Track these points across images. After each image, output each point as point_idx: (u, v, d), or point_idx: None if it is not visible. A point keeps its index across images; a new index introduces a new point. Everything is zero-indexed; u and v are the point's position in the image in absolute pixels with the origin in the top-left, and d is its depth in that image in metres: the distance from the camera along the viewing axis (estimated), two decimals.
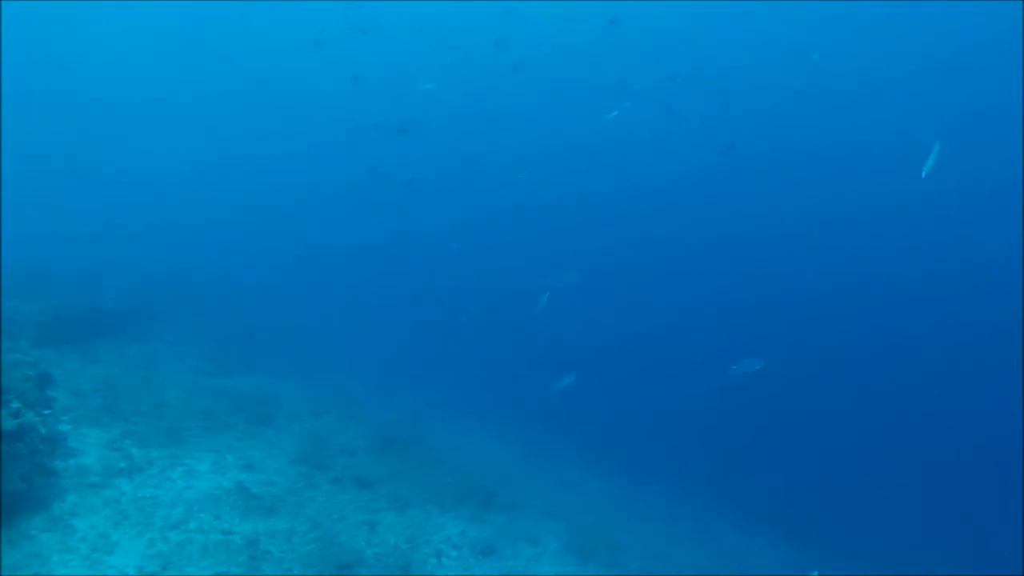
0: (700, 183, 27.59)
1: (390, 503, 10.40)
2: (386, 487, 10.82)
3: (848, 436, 18.36)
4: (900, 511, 15.82)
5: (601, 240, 25.67)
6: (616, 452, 17.00)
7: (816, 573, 9.37)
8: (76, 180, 31.83)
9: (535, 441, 17.13)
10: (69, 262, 19.05)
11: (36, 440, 7.25)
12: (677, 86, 26.37)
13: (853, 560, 13.23)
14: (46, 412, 8.14)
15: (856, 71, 27.14)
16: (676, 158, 28.75)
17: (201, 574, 7.17)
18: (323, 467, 10.83)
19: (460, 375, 19.14)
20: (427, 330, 22.38)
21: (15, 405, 7.32)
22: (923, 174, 11.81)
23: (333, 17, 36.43)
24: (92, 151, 36.60)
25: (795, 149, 27.85)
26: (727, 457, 16.43)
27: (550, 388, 12.66)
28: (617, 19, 26.25)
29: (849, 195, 25.39)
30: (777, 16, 27.94)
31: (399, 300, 24.34)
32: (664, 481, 15.64)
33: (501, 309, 22.43)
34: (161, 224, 28.30)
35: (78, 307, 14.32)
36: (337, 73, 35.52)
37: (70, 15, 39.64)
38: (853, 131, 27.30)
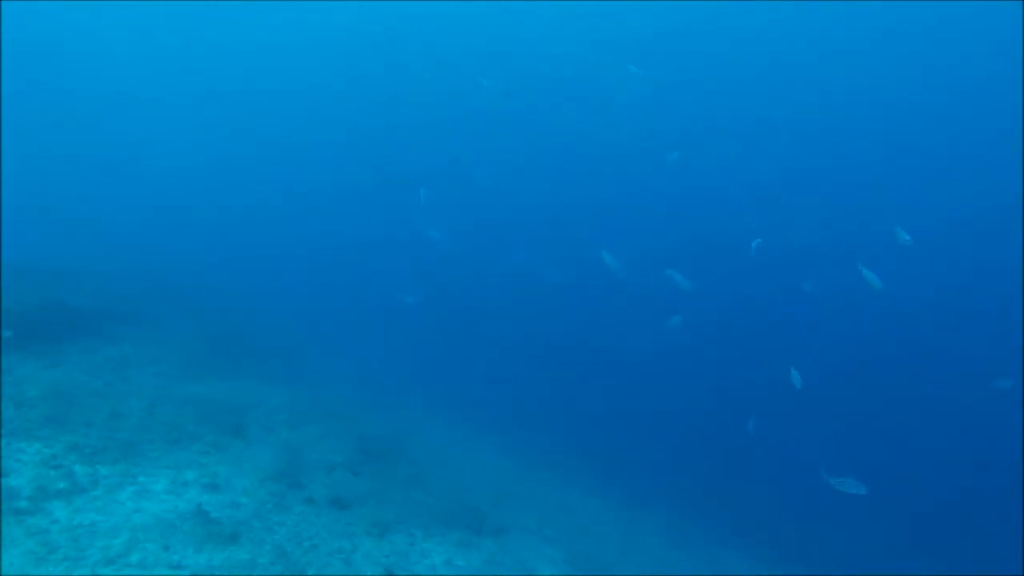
0: (702, 190, 26.54)
1: (369, 527, 9.10)
2: (366, 508, 9.53)
3: (867, 457, 17.24)
4: (912, 535, 14.82)
5: (603, 241, 24.51)
6: (615, 466, 15.78)
7: None
8: (56, 174, 30.52)
9: (528, 451, 15.87)
10: (41, 258, 17.72)
11: None
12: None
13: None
14: None
15: (854, 71, 26.24)
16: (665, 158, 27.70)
17: None
18: (297, 486, 9.53)
19: (449, 380, 17.92)
20: (415, 333, 21.18)
21: None
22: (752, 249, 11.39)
23: (333, 17, 35.42)
24: (73, 144, 35.26)
25: (790, 148, 26.81)
26: (734, 475, 15.25)
27: (665, 327, 11.14)
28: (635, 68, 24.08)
29: (846, 195, 24.36)
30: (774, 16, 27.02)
31: (389, 302, 23.10)
32: (666, 501, 14.39)
33: (495, 312, 21.26)
34: (144, 220, 27.01)
35: (44, 305, 13.06)
36: (334, 73, 34.48)
37: (64, 13, 38.43)
38: (851, 131, 26.32)
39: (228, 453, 9.88)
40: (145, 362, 13.20)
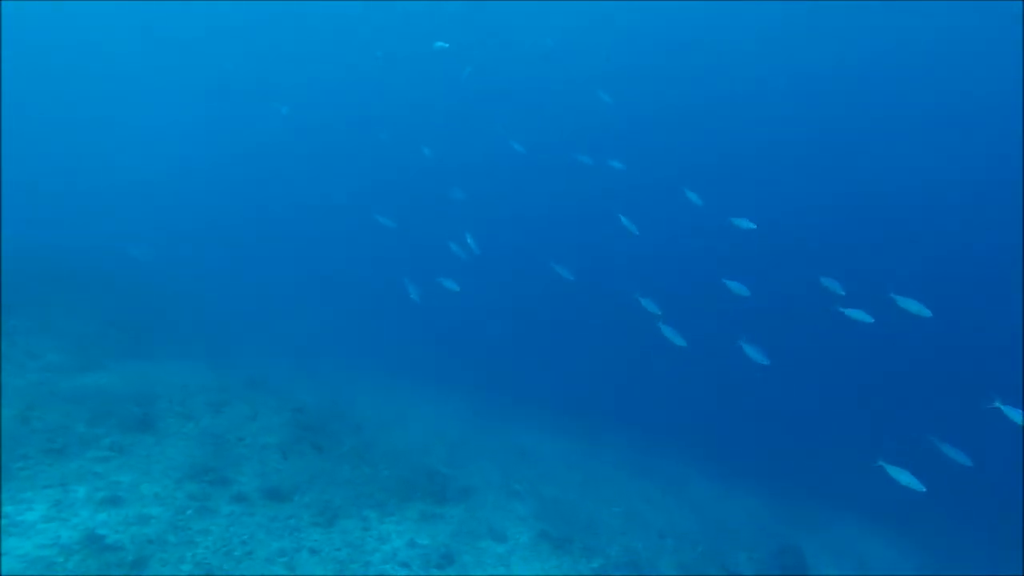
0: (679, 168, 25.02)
1: (315, 517, 7.50)
2: (309, 495, 7.89)
3: (824, 372, 16.66)
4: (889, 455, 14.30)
5: (548, 182, 22.81)
6: (570, 402, 14.77)
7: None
8: None
9: (478, 401, 14.55)
10: None
11: None
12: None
13: (836, 509, 11.67)
14: None
15: (852, 70, 24.86)
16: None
17: None
18: (223, 481, 7.70)
19: (386, 339, 16.09)
20: (348, 294, 19.01)
21: None
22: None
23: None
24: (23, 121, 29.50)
25: (787, 147, 25.42)
26: (688, 398, 14.58)
27: None
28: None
29: (847, 194, 23.42)
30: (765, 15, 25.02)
31: (318, 266, 20.67)
32: (624, 430, 13.54)
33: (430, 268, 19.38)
34: (46, 190, 22.73)
35: None
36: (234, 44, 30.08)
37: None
38: (851, 129, 25.08)
39: (133, 454, 7.85)
40: (25, 356, 10.59)
